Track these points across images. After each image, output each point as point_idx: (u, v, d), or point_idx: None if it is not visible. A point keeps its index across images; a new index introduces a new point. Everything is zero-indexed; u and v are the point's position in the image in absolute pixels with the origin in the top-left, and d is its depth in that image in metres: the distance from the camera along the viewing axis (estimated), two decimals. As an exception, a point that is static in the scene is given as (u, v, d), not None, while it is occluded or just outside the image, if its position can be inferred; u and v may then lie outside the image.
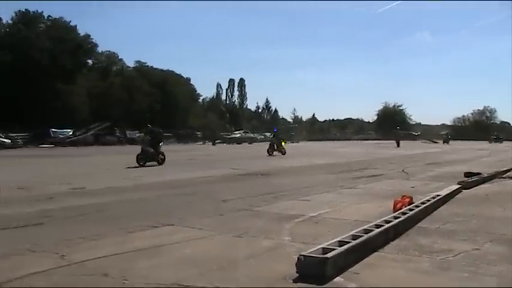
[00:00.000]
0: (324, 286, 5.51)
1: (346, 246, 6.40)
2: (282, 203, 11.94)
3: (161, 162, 26.34)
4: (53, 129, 64.38)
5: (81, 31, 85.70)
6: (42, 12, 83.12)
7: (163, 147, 27.84)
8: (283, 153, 37.78)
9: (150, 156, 25.76)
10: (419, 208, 9.75)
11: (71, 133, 65.84)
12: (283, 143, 39.87)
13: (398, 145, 57.47)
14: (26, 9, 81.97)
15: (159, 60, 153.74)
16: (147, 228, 8.74)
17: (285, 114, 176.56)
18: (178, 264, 6.44)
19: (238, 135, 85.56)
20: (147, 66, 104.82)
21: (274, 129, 47.44)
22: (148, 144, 26.20)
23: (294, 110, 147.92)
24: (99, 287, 5.53)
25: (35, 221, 9.40)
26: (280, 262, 6.49)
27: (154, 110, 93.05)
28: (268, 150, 37.74)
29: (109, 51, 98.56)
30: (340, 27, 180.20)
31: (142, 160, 25.24)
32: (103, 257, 6.68)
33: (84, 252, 6.93)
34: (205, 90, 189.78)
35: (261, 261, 6.64)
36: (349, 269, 6.09)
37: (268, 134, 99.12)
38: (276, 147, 38.17)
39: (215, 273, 6.01)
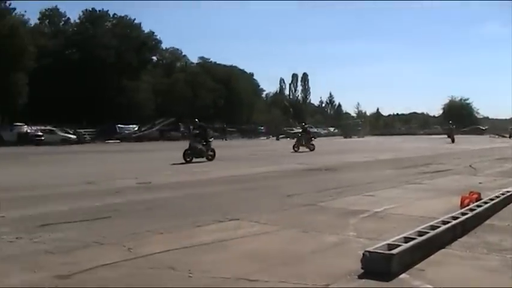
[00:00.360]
0: (389, 283, 5.44)
1: (412, 243, 6.29)
2: (347, 198, 11.85)
3: (211, 158, 25.68)
4: (119, 125, 65.63)
5: (146, 28, 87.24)
6: (108, 10, 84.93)
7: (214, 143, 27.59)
8: (312, 149, 36.11)
9: (197, 153, 25.22)
10: (488, 205, 9.47)
11: (136, 129, 66.98)
12: (312, 139, 38.22)
13: (452, 140, 53.37)
14: (92, 9, 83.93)
15: (222, 55, 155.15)
16: (212, 222, 8.81)
17: (349, 108, 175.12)
18: (243, 259, 6.46)
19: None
20: (211, 62, 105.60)
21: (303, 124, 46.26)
22: (196, 140, 25.68)
23: (358, 104, 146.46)
24: (165, 279, 5.60)
25: (103, 214, 9.60)
26: (345, 258, 6.43)
27: (218, 105, 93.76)
28: (294, 146, 36.43)
29: (173, 47, 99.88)
30: (404, 21, 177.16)
31: (189, 156, 24.72)
32: (169, 250, 6.77)
33: (151, 245, 7.04)
34: (269, 85, 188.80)
35: (326, 257, 6.61)
36: (415, 266, 5.98)
37: (332, 129, 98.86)
38: (303, 142, 36.79)
39: (280, 268, 6.01)
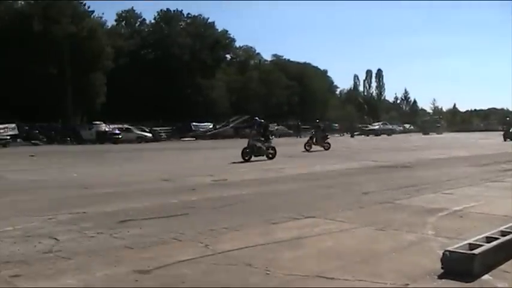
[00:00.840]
0: (471, 284, 5.28)
1: (495, 243, 6.09)
2: (424, 196, 11.61)
3: (271, 157, 24.88)
4: (194, 123, 66.49)
5: (219, 27, 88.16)
6: (182, 10, 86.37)
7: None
8: (327, 148, 33.45)
9: (256, 151, 24.49)
10: None
11: (211, 126, 67.70)
12: (327, 138, 35.59)
13: (505, 138, 48.00)
14: (167, 9, 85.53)
15: (295, 52, 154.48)
16: (289, 219, 8.80)
17: (424, 104, 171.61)
18: (320, 256, 6.43)
19: (377, 127, 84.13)
20: (284, 59, 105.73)
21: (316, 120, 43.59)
22: (255, 138, 24.97)
23: (434, 100, 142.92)
24: (243, 276, 5.63)
25: (180, 211, 9.75)
26: (424, 257, 6.31)
27: (292, 102, 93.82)
28: (305, 144, 33.65)
29: (246, 45, 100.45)
30: (483, 13, 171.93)
31: (247, 154, 24.04)
32: (246, 247, 6.80)
33: (228, 242, 7.09)
34: (343, 82, 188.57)
35: (404, 256, 6.49)
36: (499, 267, 5.79)
37: (407, 126, 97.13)
38: (315, 141, 33.93)
39: (358, 266, 5.94)
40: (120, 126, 56.71)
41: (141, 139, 55.07)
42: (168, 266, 5.98)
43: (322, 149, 33.23)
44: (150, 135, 57.66)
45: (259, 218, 8.96)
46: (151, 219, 8.90)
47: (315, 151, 31.37)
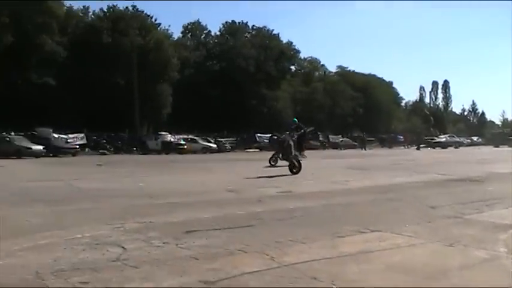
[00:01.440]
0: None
1: None
2: (495, 211, 11.25)
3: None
4: (259, 134, 66.78)
5: (284, 38, 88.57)
6: (247, 22, 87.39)
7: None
8: (296, 166, 22.30)
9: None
10: None
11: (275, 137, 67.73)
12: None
13: None
14: (232, 21, 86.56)
15: (360, 64, 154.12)
16: (355, 233, 8.67)
17: (493, 116, 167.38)
18: (387, 271, 6.31)
19: (444, 139, 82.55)
20: (349, 70, 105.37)
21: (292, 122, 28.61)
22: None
23: (503, 112, 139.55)
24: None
25: (245, 222, 9.74)
26: (496, 275, 6.13)
27: (357, 114, 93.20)
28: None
29: (311, 57, 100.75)
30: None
31: (275, 160, 24.95)
32: (312, 260, 6.73)
33: (294, 254, 7.04)
34: (408, 94, 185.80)
35: (475, 273, 6.31)
36: None
37: (475, 139, 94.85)
38: (290, 152, 22.84)
39: (426, 283, 5.82)
40: (185, 136, 57.52)
41: (206, 150, 55.71)
42: (234, 278, 5.97)
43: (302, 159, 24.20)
44: (215, 146, 58.25)
45: (324, 230, 8.86)
46: (217, 230, 8.92)
47: (358, 165, 30.88)
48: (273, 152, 26.86)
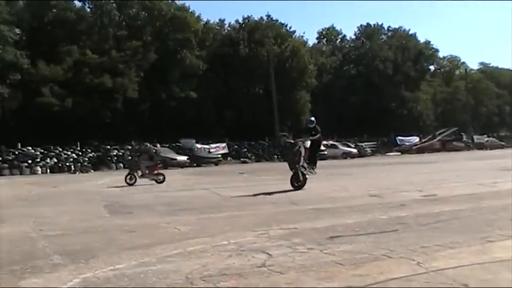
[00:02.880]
0: None
1: None
2: None
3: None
4: (399, 137, 65.59)
5: (421, 38, 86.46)
6: (382, 24, 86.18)
7: None
8: (299, 179, 18.42)
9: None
10: None
11: (417, 140, 66.30)
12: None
13: None
14: (367, 24, 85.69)
15: (505, 59, 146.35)
16: (507, 238, 8.20)
17: None
18: (545, 278, 5.96)
19: None
20: (492, 66, 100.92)
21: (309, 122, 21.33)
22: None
23: None
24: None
25: (389, 227, 9.60)
26: None
27: (503, 112, 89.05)
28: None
29: (450, 55, 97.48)
30: None
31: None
32: (461, 266, 6.50)
33: (442, 260, 6.83)
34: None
35: None
36: None
37: None
38: (298, 160, 18.41)
39: None
40: (325, 142, 57.58)
41: (347, 155, 55.42)
42: (381, 283, 5.90)
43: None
44: (355, 150, 57.83)
45: (473, 235, 8.52)
46: (361, 236, 8.85)
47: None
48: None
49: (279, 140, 54.85)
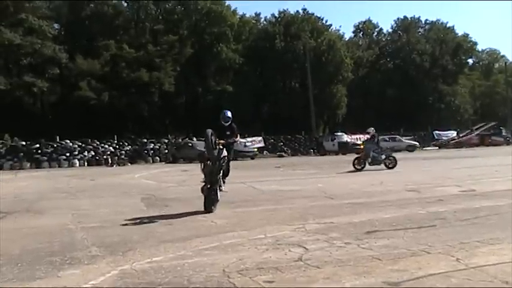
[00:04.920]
0: None
1: None
2: None
3: (391, 166, 25.79)
4: (437, 131, 64.88)
5: (459, 31, 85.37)
6: (420, 17, 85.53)
7: None
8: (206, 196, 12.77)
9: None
10: None
11: (454, 134, 65.49)
12: None
13: None
14: (404, 17, 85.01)
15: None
16: (548, 234, 8.08)
17: None
18: None
19: None
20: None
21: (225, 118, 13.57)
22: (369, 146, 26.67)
23: None
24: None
25: (427, 222, 9.49)
26: None
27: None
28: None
29: (490, 48, 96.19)
30: None
31: (360, 164, 25.65)
32: (502, 263, 6.39)
33: (482, 256, 6.74)
34: None
35: None
36: None
37: None
38: (216, 172, 12.42)
39: None
40: (361, 136, 57.24)
41: (412, 148, 55.29)
42: (419, 279, 5.85)
43: None
44: (418, 143, 57.66)
45: (513, 231, 8.39)
46: (399, 231, 8.76)
47: None
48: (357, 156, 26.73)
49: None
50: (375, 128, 26.81)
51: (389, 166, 25.53)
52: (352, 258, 6.93)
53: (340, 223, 9.73)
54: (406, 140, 57.44)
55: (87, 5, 60.13)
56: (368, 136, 27.11)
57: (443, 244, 7.54)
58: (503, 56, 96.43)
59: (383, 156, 25.78)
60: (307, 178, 22.27)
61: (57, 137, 47.12)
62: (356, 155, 27.10)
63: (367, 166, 25.20)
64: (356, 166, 25.42)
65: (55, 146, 46.61)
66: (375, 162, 25.42)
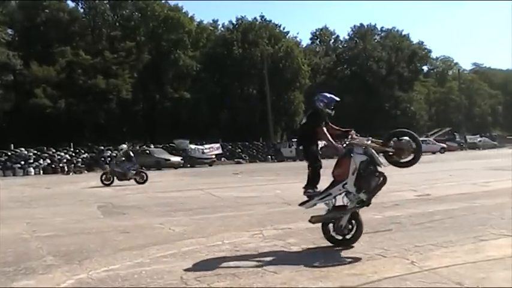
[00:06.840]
0: None
1: None
2: None
3: None
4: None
5: (414, 39, 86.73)
6: (376, 24, 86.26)
7: None
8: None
9: None
10: None
11: (410, 140, 66.57)
12: None
13: None
14: (360, 24, 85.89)
15: (498, 59, 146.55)
16: (499, 236, 8.29)
17: None
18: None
19: None
20: (485, 67, 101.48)
21: None
22: None
23: None
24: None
25: (383, 227, 9.64)
26: None
27: (496, 112, 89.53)
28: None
29: (443, 56, 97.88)
30: None
31: None
32: (455, 265, 6.54)
33: (435, 259, 6.87)
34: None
35: None
36: None
37: None
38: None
39: None
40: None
41: (444, 150, 56.44)
42: (375, 283, 5.93)
43: None
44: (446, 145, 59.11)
45: (466, 234, 8.56)
46: (355, 235, 8.85)
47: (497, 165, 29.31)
48: None
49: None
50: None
51: None
52: (309, 263, 6.98)
53: (298, 229, 9.78)
54: (440, 143, 58.71)
55: (42, 11, 59.27)
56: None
57: (398, 248, 7.67)
58: (456, 64, 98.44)
59: None
60: (266, 184, 22.31)
61: (12, 145, 46.22)
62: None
63: None
64: None
65: (9, 154, 45.63)
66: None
